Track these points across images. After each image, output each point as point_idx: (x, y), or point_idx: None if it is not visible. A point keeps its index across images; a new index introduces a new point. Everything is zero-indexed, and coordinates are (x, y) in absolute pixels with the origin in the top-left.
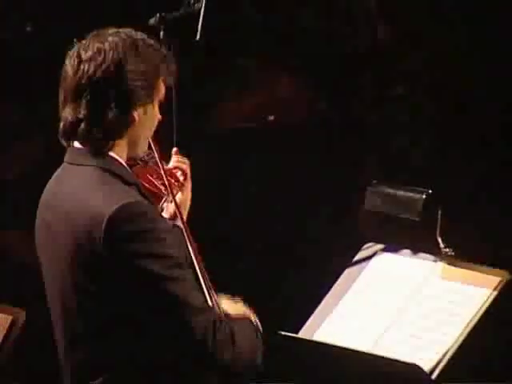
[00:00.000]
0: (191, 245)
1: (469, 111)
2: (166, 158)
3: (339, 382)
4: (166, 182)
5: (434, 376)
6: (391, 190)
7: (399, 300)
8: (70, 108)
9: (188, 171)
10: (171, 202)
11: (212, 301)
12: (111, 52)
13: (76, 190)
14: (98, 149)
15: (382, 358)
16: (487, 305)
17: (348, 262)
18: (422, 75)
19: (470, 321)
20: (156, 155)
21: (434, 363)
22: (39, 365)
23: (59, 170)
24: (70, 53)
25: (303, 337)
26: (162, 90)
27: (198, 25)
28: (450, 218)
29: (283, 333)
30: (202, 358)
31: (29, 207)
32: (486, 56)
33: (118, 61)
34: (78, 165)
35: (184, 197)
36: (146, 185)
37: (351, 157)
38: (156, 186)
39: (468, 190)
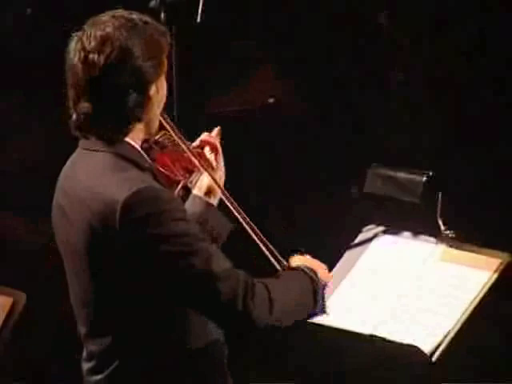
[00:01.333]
0: (240, 214)
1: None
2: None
3: (340, 365)
4: (195, 161)
5: (434, 358)
6: (391, 172)
7: (399, 282)
8: (85, 101)
9: (218, 145)
10: (194, 182)
11: (277, 262)
12: (116, 38)
13: (90, 177)
14: (114, 135)
15: (383, 340)
16: (487, 287)
17: (348, 245)
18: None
19: (471, 303)
20: (174, 135)
21: (434, 345)
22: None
23: (74, 155)
24: (72, 46)
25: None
26: (166, 63)
27: (198, 7)
28: (451, 200)
29: None
30: (237, 323)
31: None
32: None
33: (125, 45)
34: (92, 150)
35: (218, 172)
36: (161, 169)
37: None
38: (172, 170)
39: (468, 172)
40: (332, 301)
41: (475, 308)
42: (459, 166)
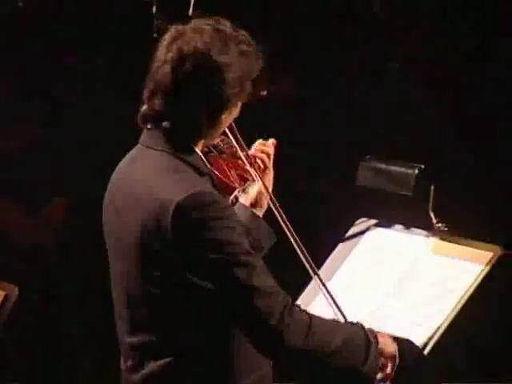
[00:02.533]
0: (287, 227)
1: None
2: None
3: None
4: (250, 169)
5: (426, 351)
6: (383, 165)
7: (392, 275)
8: (160, 100)
9: (272, 154)
10: (243, 191)
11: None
12: (215, 55)
13: (147, 175)
14: (180, 138)
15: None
16: (479, 280)
17: (341, 238)
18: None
19: (462, 296)
20: (235, 143)
21: (426, 338)
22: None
23: (133, 152)
24: (167, 41)
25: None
26: (250, 86)
27: (190, 0)
28: (443, 193)
29: None
30: (269, 341)
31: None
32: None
33: (221, 66)
34: (153, 149)
35: (269, 183)
36: (219, 175)
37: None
38: (229, 177)
39: (460, 164)
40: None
41: (467, 301)
42: (451, 158)
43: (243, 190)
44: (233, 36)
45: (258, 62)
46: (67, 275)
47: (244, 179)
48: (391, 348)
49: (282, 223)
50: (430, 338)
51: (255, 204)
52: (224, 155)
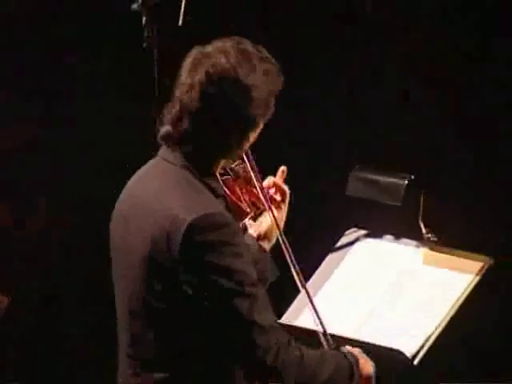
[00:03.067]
0: (293, 266)
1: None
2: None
3: None
4: (262, 198)
5: (416, 361)
6: (373, 176)
7: (382, 285)
8: (187, 123)
9: (287, 193)
10: (254, 220)
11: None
12: (242, 77)
13: (163, 189)
14: (201, 160)
15: (365, 343)
16: (469, 290)
17: (331, 247)
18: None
19: (453, 306)
20: (250, 170)
21: (416, 348)
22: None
23: (151, 162)
24: (192, 62)
25: (286, 322)
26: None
27: (180, 10)
28: (433, 203)
29: None
30: (264, 376)
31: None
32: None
33: (249, 88)
34: (172, 163)
35: (279, 217)
36: (233, 198)
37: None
38: (242, 201)
39: (450, 175)
40: (315, 303)
41: (457, 311)
42: (442, 168)
43: (254, 219)
44: (256, 55)
45: (279, 78)
46: (67, 275)
47: (256, 207)
48: (368, 369)
49: (288, 259)
50: (420, 348)
51: (264, 236)
52: (240, 179)
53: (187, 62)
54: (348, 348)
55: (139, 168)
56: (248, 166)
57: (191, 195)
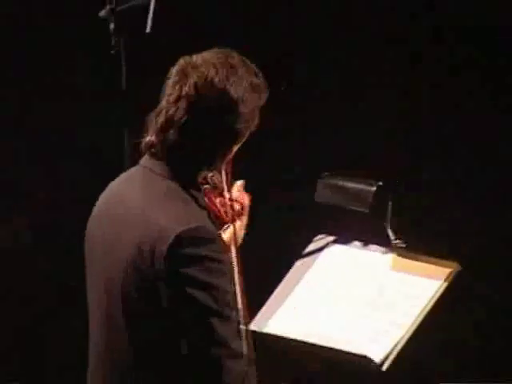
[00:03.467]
0: (239, 278)
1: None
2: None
3: (291, 373)
4: (229, 210)
5: (384, 367)
6: (342, 182)
7: (350, 291)
8: (173, 133)
9: (247, 206)
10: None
11: (247, 337)
12: (231, 91)
13: (150, 199)
14: (187, 171)
15: (333, 349)
16: (437, 296)
17: (299, 254)
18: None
19: (421, 312)
20: (224, 181)
21: (384, 354)
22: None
23: (133, 170)
24: (179, 74)
25: (254, 329)
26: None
27: (148, 17)
28: (401, 210)
29: None
30: None
31: None
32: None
33: (237, 101)
34: (156, 174)
35: (237, 228)
36: (214, 208)
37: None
38: (220, 211)
39: (418, 181)
40: (283, 309)
41: (425, 317)
42: (410, 175)
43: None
44: (244, 70)
45: (265, 92)
46: (67, 275)
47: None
48: None
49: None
50: (388, 354)
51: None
52: (216, 189)
53: (174, 72)
54: None
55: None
56: (224, 177)
57: (179, 206)
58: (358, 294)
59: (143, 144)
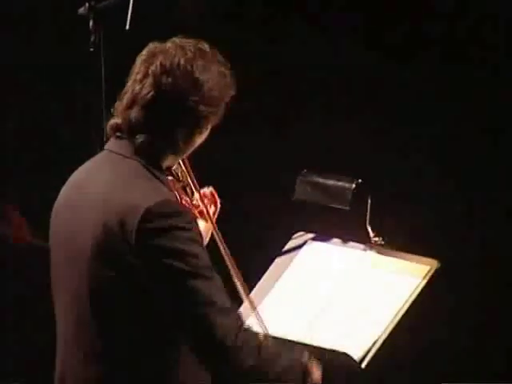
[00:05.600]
0: (230, 260)
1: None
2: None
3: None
4: (201, 203)
5: (363, 364)
6: (321, 179)
7: (329, 289)
8: (137, 113)
9: (210, 213)
10: None
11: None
12: (197, 73)
13: (116, 179)
14: (150, 151)
15: (313, 346)
16: (416, 293)
17: (278, 251)
18: None
19: (400, 309)
20: (189, 177)
21: (363, 352)
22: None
23: (98, 156)
24: (147, 55)
25: None
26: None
27: (127, 15)
28: (380, 207)
29: None
30: (224, 360)
31: None
32: None
33: (202, 84)
34: (122, 155)
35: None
36: (178, 197)
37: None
38: (181, 202)
39: (397, 178)
40: (262, 307)
41: (404, 315)
42: (388, 173)
43: None
44: (213, 57)
45: (232, 85)
46: None
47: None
48: (317, 375)
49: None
50: (367, 352)
51: None
52: (179, 183)
53: (142, 54)
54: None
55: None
56: (185, 171)
57: (144, 183)
58: (337, 291)
59: (108, 127)
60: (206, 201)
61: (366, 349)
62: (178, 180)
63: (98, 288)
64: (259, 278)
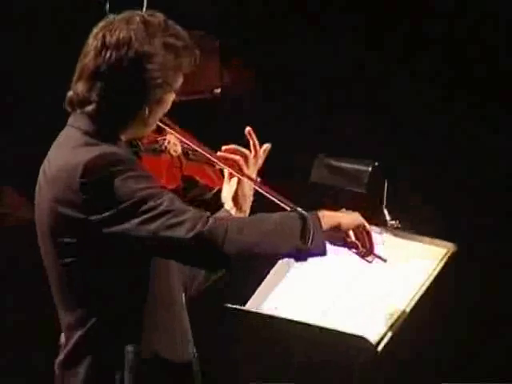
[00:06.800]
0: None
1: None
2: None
3: (287, 354)
4: (222, 164)
5: (379, 348)
6: (338, 163)
7: (345, 272)
8: (83, 86)
9: (241, 164)
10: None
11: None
12: (136, 45)
13: (63, 152)
14: (99, 123)
15: (329, 330)
16: (433, 277)
17: None
18: None
19: (416, 293)
20: (188, 141)
21: (379, 336)
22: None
23: (62, 131)
24: (96, 30)
25: (250, 309)
26: (180, 81)
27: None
28: (396, 190)
29: (230, 305)
30: (206, 248)
31: None
32: None
33: (142, 56)
34: (74, 128)
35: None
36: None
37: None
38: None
39: (414, 161)
40: (278, 290)
41: (421, 298)
42: (405, 155)
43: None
44: (160, 28)
45: (187, 57)
46: None
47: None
48: (337, 218)
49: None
50: (383, 335)
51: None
52: (160, 156)
53: (92, 32)
54: None
55: None
56: (189, 145)
57: (88, 148)
58: (353, 274)
59: (65, 102)
60: (229, 161)
61: (381, 333)
62: (160, 152)
63: (63, 257)
64: (274, 264)
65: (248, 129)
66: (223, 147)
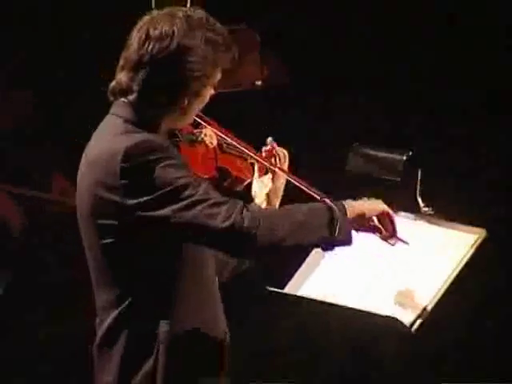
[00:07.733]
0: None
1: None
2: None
3: (323, 335)
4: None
5: (413, 329)
6: (373, 151)
7: (381, 257)
8: (125, 75)
9: (282, 161)
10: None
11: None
12: (178, 38)
13: (105, 139)
14: (141, 111)
15: (364, 312)
16: (465, 261)
17: None
18: None
19: (449, 277)
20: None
21: (413, 318)
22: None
23: (104, 120)
24: (140, 24)
25: (289, 292)
26: (219, 76)
27: None
28: (430, 179)
29: (270, 288)
30: (236, 238)
31: None
32: None
33: (183, 48)
34: (117, 116)
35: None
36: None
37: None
38: (199, 165)
39: (447, 150)
40: (315, 275)
41: (453, 283)
42: (438, 145)
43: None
44: (202, 24)
45: (226, 52)
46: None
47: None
48: (362, 206)
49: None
50: (417, 317)
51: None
52: (196, 146)
53: (137, 25)
54: None
55: None
56: (219, 133)
57: (128, 135)
58: (388, 260)
59: (108, 91)
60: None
61: (415, 315)
62: (194, 140)
63: (103, 238)
64: (311, 249)
65: (270, 139)
66: (263, 148)
